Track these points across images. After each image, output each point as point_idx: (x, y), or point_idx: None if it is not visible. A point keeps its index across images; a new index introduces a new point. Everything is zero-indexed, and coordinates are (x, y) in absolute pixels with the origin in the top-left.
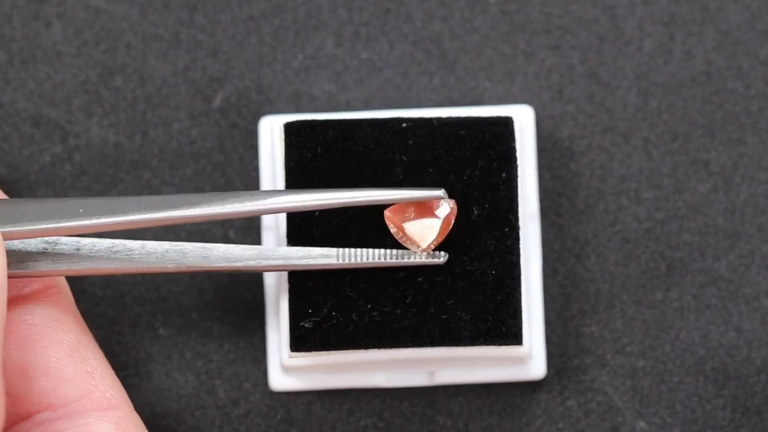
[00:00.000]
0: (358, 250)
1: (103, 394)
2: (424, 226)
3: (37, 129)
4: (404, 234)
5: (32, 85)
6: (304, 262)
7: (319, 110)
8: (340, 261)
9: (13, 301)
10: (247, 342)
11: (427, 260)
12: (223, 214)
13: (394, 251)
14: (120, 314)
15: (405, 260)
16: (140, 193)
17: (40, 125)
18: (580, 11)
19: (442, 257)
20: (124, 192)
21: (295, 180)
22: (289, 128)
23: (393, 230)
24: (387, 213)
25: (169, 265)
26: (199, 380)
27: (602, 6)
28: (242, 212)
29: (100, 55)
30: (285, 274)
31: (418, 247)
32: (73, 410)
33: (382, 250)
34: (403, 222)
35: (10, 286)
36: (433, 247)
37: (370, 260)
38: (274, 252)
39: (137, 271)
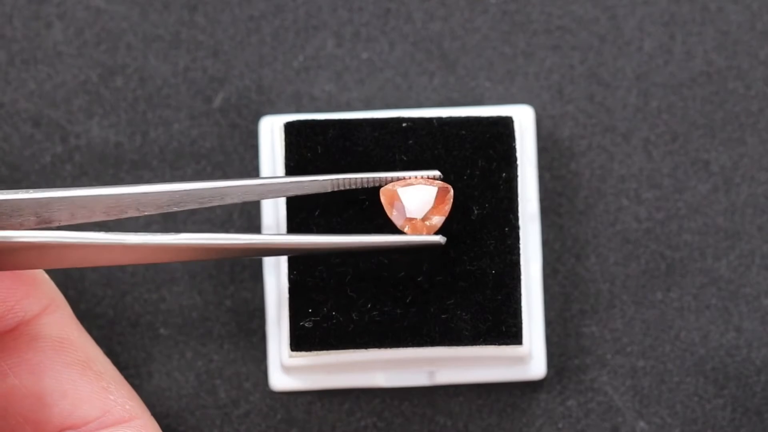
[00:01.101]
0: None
1: (122, 406)
2: (420, 193)
3: (38, 129)
4: (398, 204)
5: (33, 85)
6: (301, 240)
7: (320, 110)
8: (337, 241)
9: (17, 329)
10: (247, 342)
11: (425, 238)
12: (219, 188)
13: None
14: (120, 314)
15: (403, 238)
16: None
17: (41, 125)
18: (580, 11)
19: (441, 238)
20: None
21: None
22: (289, 128)
23: (386, 205)
24: (382, 190)
25: (163, 238)
26: (199, 380)
27: (602, 6)
28: (241, 186)
29: (101, 55)
30: (285, 273)
31: (413, 218)
32: (95, 427)
33: (379, 236)
34: (397, 188)
35: (9, 311)
36: (433, 225)
37: (367, 240)
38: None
39: (127, 243)
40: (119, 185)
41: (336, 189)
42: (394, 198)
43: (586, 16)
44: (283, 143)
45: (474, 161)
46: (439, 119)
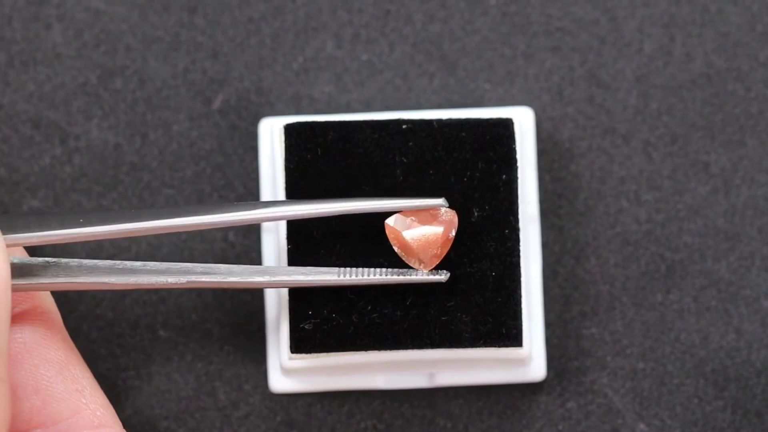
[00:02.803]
0: (360, 269)
1: (93, 412)
2: (426, 236)
3: (37, 131)
4: (405, 244)
5: (32, 86)
6: (305, 278)
7: (319, 112)
8: (341, 278)
9: None
10: (246, 344)
11: (429, 277)
12: (219, 222)
13: (396, 270)
14: (120, 316)
15: (406, 277)
16: (140, 195)
17: (40, 127)
18: (580, 13)
19: (443, 275)
20: (124, 194)
21: (295, 182)
22: (289, 130)
23: (393, 241)
24: (387, 223)
25: (170, 279)
26: (199, 382)
27: (602, 8)
28: (238, 221)
29: (100, 56)
30: None
31: (420, 261)
32: (63, 428)
33: (384, 270)
34: (403, 231)
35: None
36: (435, 262)
37: (371, 278)
38: (276, 270)
39: (137, 286)
40: (122, 222)
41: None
42: (400, 240)
43: (586, 18)
44: (282, 145)
45: (474, 163)
46: (439, 121)
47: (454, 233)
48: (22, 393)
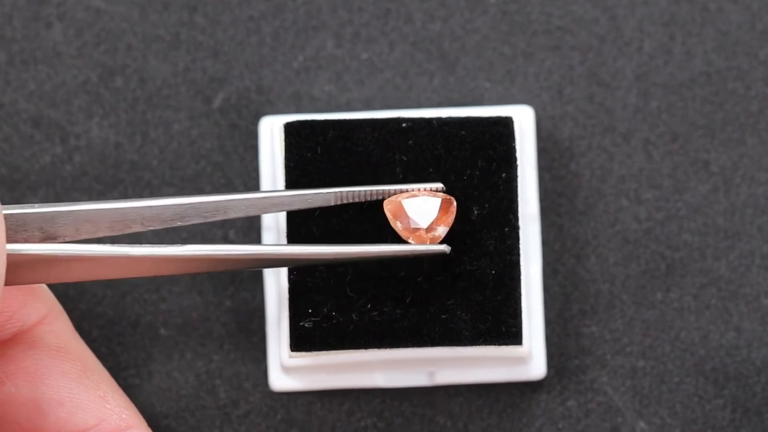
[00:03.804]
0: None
1: (119, 415)
2: (424, 202)
3: (38, 130)
4: (402, 212)
5: (33, 85)
6: (305, 250)
7: (319, 111)
8: (341, 250)
9: (15, 338)
10: (247, 342)
11: (430, 247)
12: (222, 202)
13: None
14: (120, 314)
15: (406, 247)
16: (141, 194)
17: (41, 126)
18: (580, 12)
19: (445, 247)
20: (125, 192)
21: (295, 180)
22: (289, 128)
23: (390, 215)
24: (386, 202)
25: (165, 249)
26: (199, 380)
27: (602, 6)
28: (244, 199)
29: (101, 55)
30: (285, 274)
31: (418, 229)
32: None
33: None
34: (401, 200)
35: (8, 321)
36: (437, 236)
37: (371, 249)
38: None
39: (130, 255)
40: (123, 200)
41: (339, 202)
42: (399, 210)
43: (586, 17)
44: (282, 144)
45: (474, 161)
46: (439, 119)
47: (453, 209)
48: (47, 408)
